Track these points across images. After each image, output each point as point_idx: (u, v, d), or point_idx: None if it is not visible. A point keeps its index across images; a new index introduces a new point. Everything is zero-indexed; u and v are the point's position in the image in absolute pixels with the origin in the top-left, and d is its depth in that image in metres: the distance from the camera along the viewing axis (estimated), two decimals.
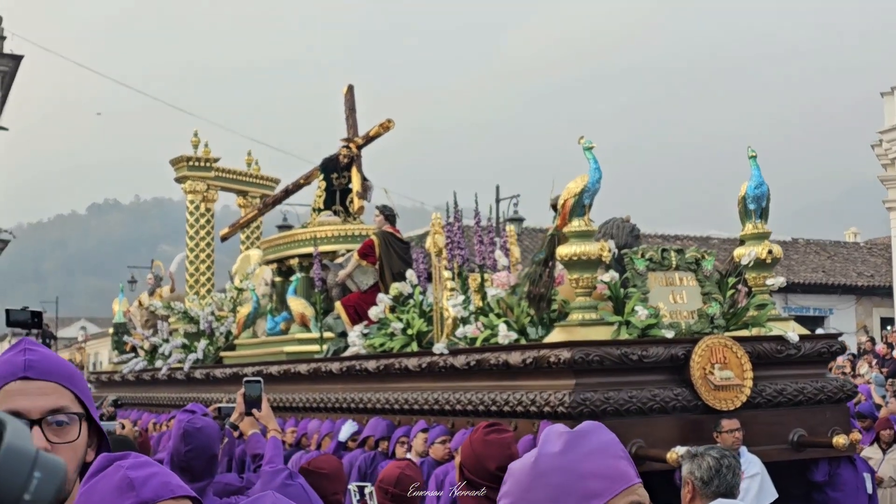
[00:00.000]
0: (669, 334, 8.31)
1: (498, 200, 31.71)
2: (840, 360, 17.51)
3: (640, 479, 1.91)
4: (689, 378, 8.17)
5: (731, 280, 9.04)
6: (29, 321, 6.51)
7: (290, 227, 22.36)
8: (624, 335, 8.32)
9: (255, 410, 5.80)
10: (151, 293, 19.48)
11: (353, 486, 5.71)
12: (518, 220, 30.84)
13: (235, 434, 5.95)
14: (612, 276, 8.49)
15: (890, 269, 31.72)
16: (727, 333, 8.55)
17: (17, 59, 32.40)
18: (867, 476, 8.84)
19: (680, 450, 7.49)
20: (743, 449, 7.89)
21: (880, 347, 21.98)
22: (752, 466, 7.90)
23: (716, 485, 5.07)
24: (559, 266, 8.89)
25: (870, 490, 8.79)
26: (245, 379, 5.92)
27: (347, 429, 10.44)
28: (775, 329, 8.79)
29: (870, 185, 34.49)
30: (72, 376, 2.30)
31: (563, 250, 8.45)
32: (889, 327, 25.29)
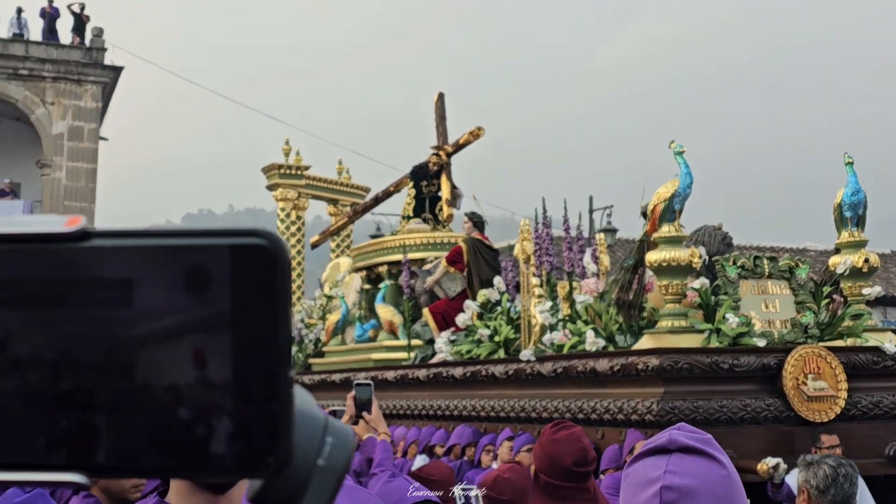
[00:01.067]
0: (761, 343, 8.16)
1: (591, 211, 31.54)
2: None
3: None
4: (781, 388, 8.00)
5: (826, 289, 8.85)
6: None
7: (382, 237, 22.47)
8: (714, 343, 8.19)
9: (364, 414, 5.83)
10: None
11: (457, 490, 5.69)
12: (611, 231, 30.61)
13: (364, 437, 5.91)
14: (702, 282, 8.36)
15: None
16: (821, 343, 8.37)
17: (117, 71, 33.10)
18: None
19: (771, 461, 7.35)
20: None
21: None
22: None
23: (832, 494, 4.95)
24: (649, 273, 8.79)
25: None
26: (355, 382, 5.92)
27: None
28: (871, 340, 8.58)
29: None
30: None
31: (652, 256, 8.35)
32: None
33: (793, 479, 7.61)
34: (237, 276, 0.65)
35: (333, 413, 5.95)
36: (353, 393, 5.84)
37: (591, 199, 32.35)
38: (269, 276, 0.66)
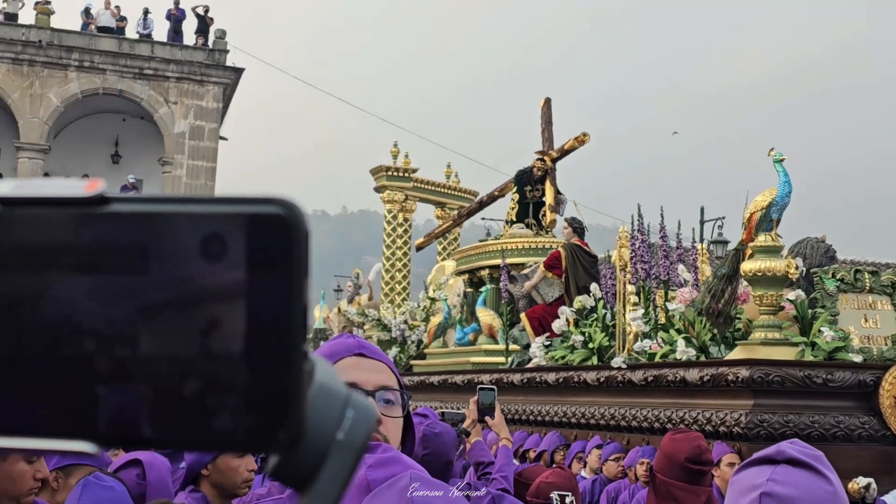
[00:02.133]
0: (858, 359, 7.94)
1: (702, 222, 31.13)
2: None
3: None
4: (877, 406, 7.77)
5: None
6: None
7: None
8: (809, 357, 8.00)
9: (487, 418, 5.85)
10: (350, 300, 19.90)
11: (554, 495, 5.74)
12: (723, 243, 30.13)
13: (472, 441, 5.94)
14: (798, 294, 8.19)
15: None
16: None
17: (238, 72, 33.76)
18: None
19: (862, 481, 7.16)
20: None
21: None
22: None
23: None
24: (743, 283, 8.63)
25: None
26: (479, 386, 5.94)
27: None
28: None
29: None
30: (393, 363, 2.45)
31: (747, 265, 8.20)
32: None
33: (892, 501, 7.39)
34: (253, 245, 0.64)
35: (442, 415, 5.91)
36: (475, 397, 5.84)
37: (702, 209, 31.92)
38: (286, 245, 0.65)
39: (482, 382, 10.85)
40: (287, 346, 0.64)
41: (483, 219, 24.63)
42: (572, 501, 5.61)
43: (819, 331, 8.02)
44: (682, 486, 5.25)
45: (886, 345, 8.36)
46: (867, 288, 8.51)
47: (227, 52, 33.55)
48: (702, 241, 28.46)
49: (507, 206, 15.65)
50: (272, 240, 0.64)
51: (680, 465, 5.10)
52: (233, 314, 0.63)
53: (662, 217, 10.19)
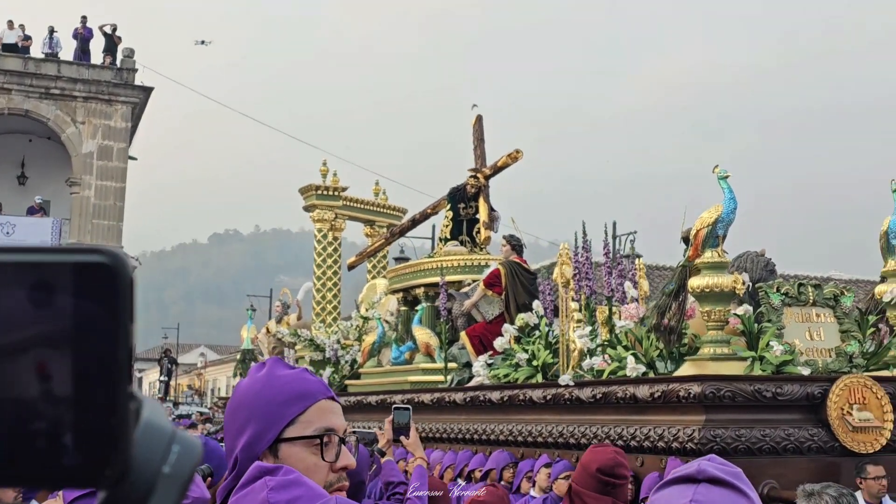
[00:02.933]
0: (806, 372, 8.06)
1: (615, 237, 31.48)
2: None
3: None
4: (825, 418, 7.90)
5: (872, 318, 8.75)
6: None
7: (407, 260, 22.46)
8: (757, 371, 8.11)
9: (402, 437, 5.89)
10: (279, 321, 19.72)
11: None
12: (635, 258, 30.44)
13: (383, 461, 5.98)
14: (746, 309, 8.29)
15: None
16: (867, 373, 8.27)
17: (147, 91, 33.42)
18: None
19: None
20: (886, 497, 7.59)
21: None
22: None
23: None
24: (690, 298, 8.72)
25: None
26: (394, 406, 5.99)
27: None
28: None
29: None
30: (328, 384, 2.47)
31: (695, 282, 8.28)
32: None
33: None
34: (79, 293, 0.67)
35: (354, 433, 5.93)
36: (391, 417, 5.88)
37: (614, 224, 32.28)
38: (110, 293, 0.68)
39: (396, 402, 10.84)
40: (113, 388, 0.68)
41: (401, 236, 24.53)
42: None
43: (768, 344, 8.13)
44: (592, 496, 5.32)
45: (830, 357, 8.50)
46: (811, 301, 8.65)
47: (135, 70, 33.22)
48: (615, 255, 28.84)
49: (433, 225, 15.66)
50: (97, 287, 0.68)
51: (592, 474, 5.21)
52: (61, 359, 0.67)
53: (606, 233, 10.27)
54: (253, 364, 2.51)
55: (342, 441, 2.28)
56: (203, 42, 39.65)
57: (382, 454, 5.99)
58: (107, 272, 0.68)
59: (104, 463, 0.69)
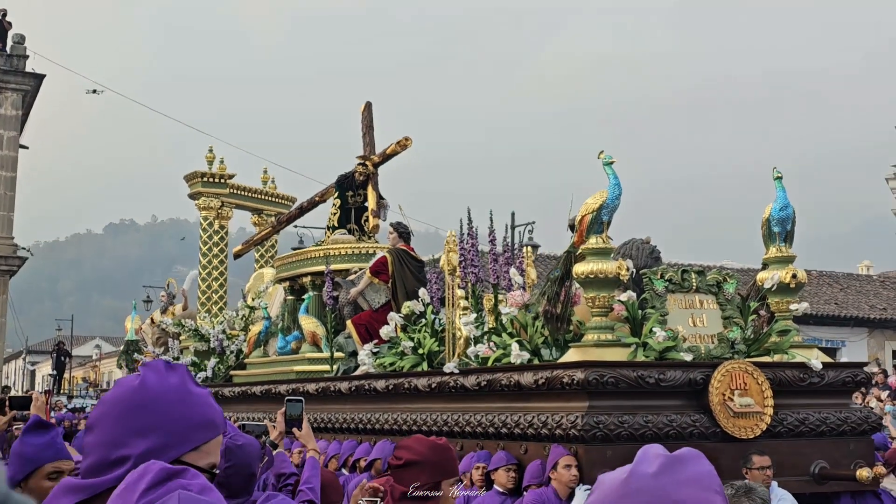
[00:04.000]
0: (688, 358, 8.04)
1: (513, 227, 31.51)
2: None
3: None
4: (707, 404, 7.89)
5: (753, 304, 8.77)
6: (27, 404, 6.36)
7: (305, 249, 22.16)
8: (641, 357, 8.06)
9: (295, 430, 5.82)
10: (164, 311, 19.32)
11: (362, 501, 5.72)
12: (533, 247, 30.59)
13: (275, 452, 6.01)
14: (629, 295, 8.23)
15: None
16: (748, 359, 8.27)
17: (38, 78, 32.56)
18: None
19: None
20: (773, 484, 7.58)
21: (893, 380, 21.81)
22: (783, 502, 7.59)
23: None
24: (575, 285, 8.64)
25: None
26: (287, 398, 5.95)
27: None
28: (798, 356, 8.51)
29: (884, 219, 34.47)
30: (213, 373, 2.36)
31: (579, 268, 8.19)
32: None
33: None
34: None
35: (243, 427, 5.87)
36: (283, 409, 5.80)
37: (513, 214, 32.33)
38: None
39: (289, 393, 10.64)
40: None
41: (295, 226, 24.21)
42: None
43: (651, 331, 8.07)
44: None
45: (713, 343, 8.49)
46: (694, 288, 8.62)
47: (26, 57, 32.35)
48: (514, 245, 28.87)
49: (327, 212, 15.41)
50: None
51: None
52: None
53: (492, 221, 10.14)
54: (148, 361, 2.38)
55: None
56: (95, 91, 38.94)
57: (275, 446, 5.99)
58: None
59: None
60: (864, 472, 8.00)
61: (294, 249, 21.50)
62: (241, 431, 5.11)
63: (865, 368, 9.44)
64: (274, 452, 6.02)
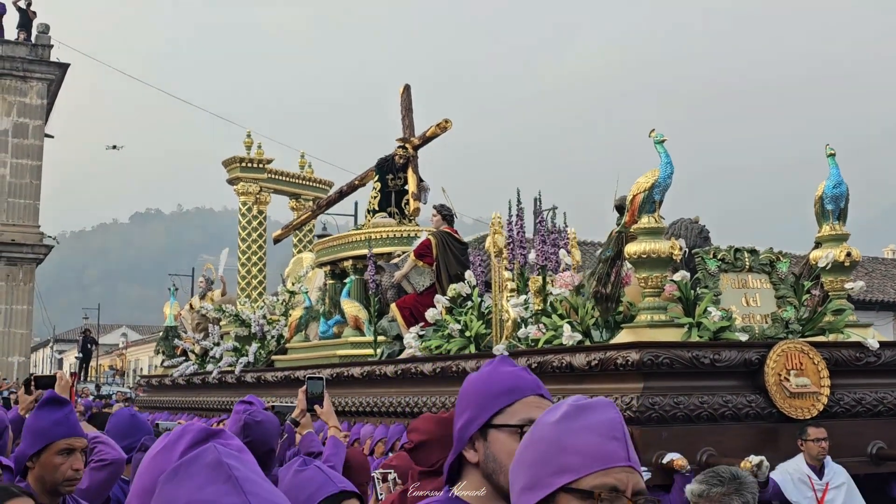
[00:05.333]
0: (743, 338, 7.96)
1: (538, 211, 31.41)
2: None
3: (629, 464, 1.86)
4: (763, 384, 7.82)
5: (807, 283, 8.69)
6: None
7: (329, 236, 22.11)
8: (695, 338, 7.99)
9: (316, 407, 5.90)
10: (203, 296, 19.33)
11: (376, 473, 5.84)
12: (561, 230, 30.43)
13: (304, 433, 6.00)
14: (683, 275, 8.17)
15: None
16: (803, 339, 8.20)
17: (63, 68, 32.68)
18: None
19: (754, 459, 7.16)
20: (827, 459, 7.54)
21: None
22: (837, 477, 7.55)
23: None
24: (626, 265, 8.57)
25: None
26: (307, 375, 5.99)
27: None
28: (854, 335, 8.42)
29: None
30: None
31: (631, 248, 8.13)
32: None
33: (778, 476, 7.44)
34: None
35: (273, 408, 5.92)
36: (304, 387, 5.88)
37: (536, 199, 32.19)
38: None
39: (310, 372, 10.61)
40: None
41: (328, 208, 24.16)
42: (394, 479, 5.72)
43: (705, 311, 8.01)
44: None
45: (766, 323, 8.42)
46: (747, 267, 8.56)
47: (51, 46, 32.50)
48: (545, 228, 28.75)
49: (365, 196, 15.38)
50: None
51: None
52: None
53: (540, 202, 10.09)
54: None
55: None
56: (115, 147, 39.34)
57: (296, 423, 5.99)
58: None
59: None
60: None
61: (318, 237, 21.53)
62: (261, 409, 5.12)
63: None
64: (303, 433, 6.02)
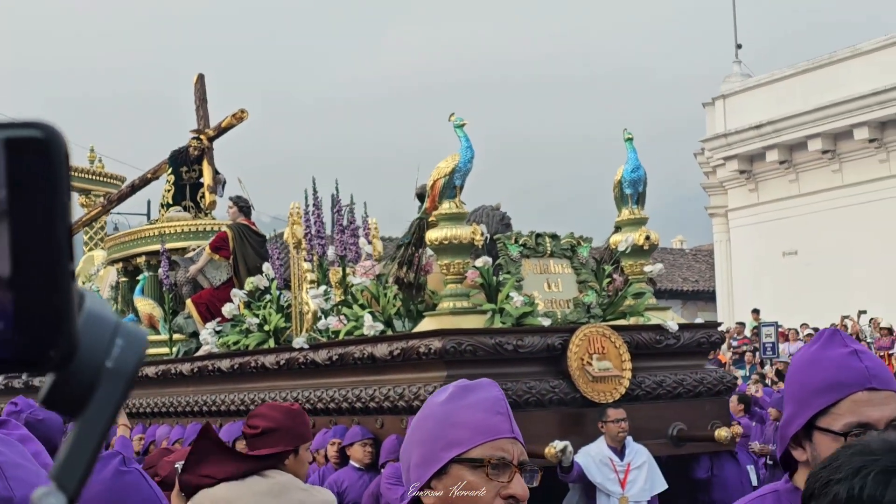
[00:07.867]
0: (546, 323, 7.89)
1: (335, 201, 31.22)
2: None
3: (513, 436, 2.02)
4: (566, 369, 7.77)
5: (608, 268, 8.70)
6: None
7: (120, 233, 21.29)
8: (498, 324, 7.88)
9: None
10: None
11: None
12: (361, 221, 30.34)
13: (116, 437, 5.92)
14: (485, 260, 8.04)
15: (713, 275, 32.81)
16: (604, 323, 8.19)
17: None
18: (750, 468, 8.57)
19: (559, 444, 7.11)
20: (629, 439, 7.55)
21: None
22: (638, 457, 7.57)
23: None
24: (428, 253, 8.40)
25: (754, 482, 8.52)
26: None
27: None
28: (654, 318, 8.47)
29: (694, 194, 35.66)
30: None
31: (433, 234, 7.97)
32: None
33: (581, 459, 7.40)
34: (13, 168, 0.65)
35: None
36: None
37: (336, 184, 32.01)
38: (46, 167, 0.66)
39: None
40: (53, 266, 0.67)
41: (110, 213, 23.30)
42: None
43: (508, 297, 7.90)
44: None
45: (569, 308, 8.37)
46: (548, 252, 8.50)
47: None
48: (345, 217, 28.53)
49: (159, 190, 14.76)
50: (32, 162, 0.66)
51: None
52: None
53: (337, 190, 9.82)
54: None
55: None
56: None
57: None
58: (42, 146, 0.66)
59: (49, 343, 0.66)
60: (722, 433, 8.00)
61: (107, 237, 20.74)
62: (40, 407, 4.79)
63: (720, 329, 9.48)
64: (116, 436, 5.81)
